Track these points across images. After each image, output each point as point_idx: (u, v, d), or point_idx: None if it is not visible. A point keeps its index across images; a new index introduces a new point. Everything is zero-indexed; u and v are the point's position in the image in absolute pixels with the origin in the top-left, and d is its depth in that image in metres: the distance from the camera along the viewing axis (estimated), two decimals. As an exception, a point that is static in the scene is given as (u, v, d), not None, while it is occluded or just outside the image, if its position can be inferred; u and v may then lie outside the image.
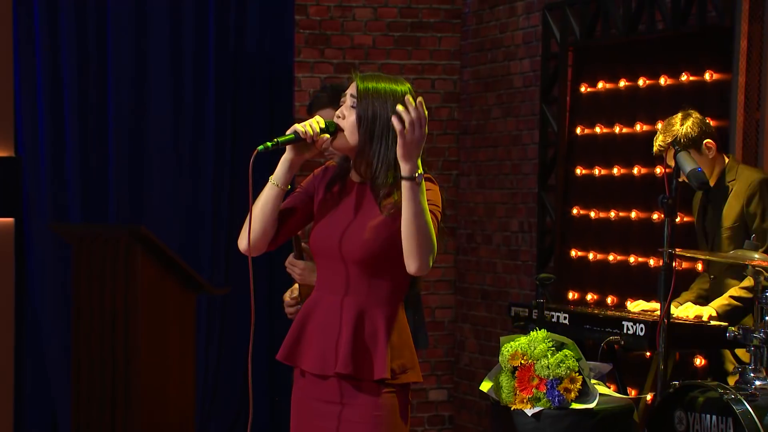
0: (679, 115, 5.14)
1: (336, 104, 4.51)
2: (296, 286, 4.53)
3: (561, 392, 4.49)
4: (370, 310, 3.47)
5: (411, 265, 3.36)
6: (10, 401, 7.22)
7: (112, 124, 7.46)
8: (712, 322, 4.97)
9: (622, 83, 6.64)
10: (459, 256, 8.13)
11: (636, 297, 6.28)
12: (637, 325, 4.98)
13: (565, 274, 6.98)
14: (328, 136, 3.47)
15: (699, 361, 5.77)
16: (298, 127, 3.46)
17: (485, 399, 7.27)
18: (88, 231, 6.73)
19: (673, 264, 4.73)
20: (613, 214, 6.69)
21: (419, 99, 3.38)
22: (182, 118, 7.62)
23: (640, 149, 6.49)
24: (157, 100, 7.56)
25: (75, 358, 6.58)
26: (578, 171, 6.97)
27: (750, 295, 4.93)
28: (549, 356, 4.49)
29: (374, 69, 7.82)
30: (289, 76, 7.82)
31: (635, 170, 6.52)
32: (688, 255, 5.10)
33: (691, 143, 5.03)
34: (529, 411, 4.57)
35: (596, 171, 6.83)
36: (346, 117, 3.48)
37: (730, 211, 5.07)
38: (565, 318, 5.39)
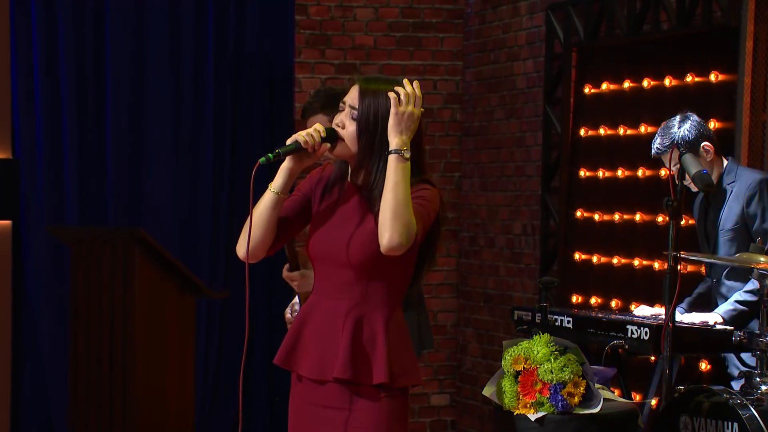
0: (678, 117, 5.14)
1: (328, 110, 4.52)
2: (296, 300, 4.54)
3: (564, 397, 4.49)
4: (368, 313, 3.47)
5: (382, 237, 3.35)
6: (6, 404, 7.22)
7: (110, 125, 7.46)
8: (718, 326, 4.97)
9: (627, 84, 6.64)
10: (461, 259, 8.13)
11: (640, 301, 6.28)
12: (642, 329, 4.98)
13: (568, 277, 6.97)
14: (329, 145, 3.48)
15: (704, 366, 5.77)
16: (299, 137, 3.46)
17: (488, 404, 7.27)
18: (86, 233, 6.73)
19: (678, 267, 4.72)
20: (617, 216, 6.69)
21: (416, 82, 3.46)
22: (181, 120, 7.62)
23: (644, 151, 6.46)
24: (156, 101, 7.56)
25: (72, 362, 6.58)
26: (582, 173, 6.97)
27: (755, 299, 4.93)
28: (552, 360, 4.50)
29: (375, 70, 7.82)
30: (289, 77, 7.82)
31: (639, 172, 6.52)
32: (694, 258, 5.10)
33: (689, 146, 5.03)
34: (533, 416, 4.57)
35: (600, 173, 6.83)
36: (347, 127, 3.49)
37: (729, 213, 5.07)
38: (568, 322, 5.39)
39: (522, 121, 7.60)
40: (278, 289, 7.41)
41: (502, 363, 4.68)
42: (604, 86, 6.80)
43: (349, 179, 3.56)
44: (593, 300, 6.83)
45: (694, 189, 5.02)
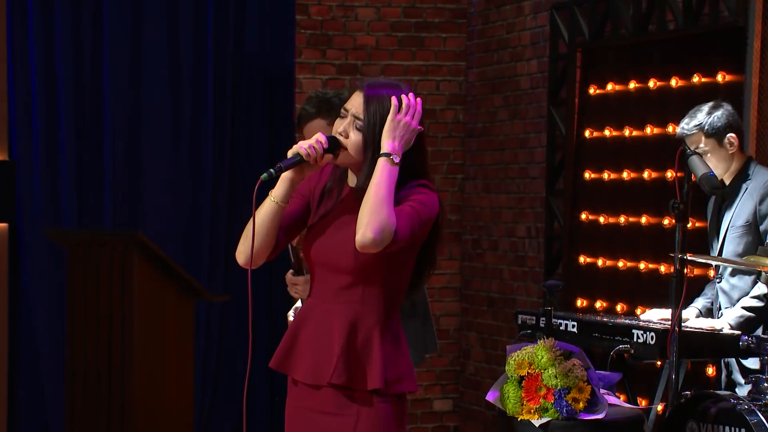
0: (711, 103, 5.15)
1: (325, 114, 4.51)
2: (299, 303, 4.54)
3: (569, 402, 4.49)
4: (364, 318, 3.47)
5: (357, 233, 3.36)
6: (3, 409, 7.22)
7: (108, 127, 7.46)
8: (725, 331, 4.96)
9: (632, 85, 6.64)
10: (464, 263, 8.13)
11: (646, 304, 6.27)
12: (648, 333, 4.97)
13: (573, 280, 6.97)
14: (331, 156, 3.48)
15: (711, 371, 5.76)
16: (301, 150, 3.46)
17: (491, 409, 7.27)
18: (83, 237, 6.73)
19: (685, 270, 4.72)
20: (622, 219, 6.68)
21: (419, 98, 3.49)
22: (180, 121, 7.62)
23: (650, 152, 6.49)
24: (155, 103, 7.56)
25: (69, 367, 6.58)
26: (587, 175, 6.96)
27: (762, 304, 4.93)
28: (557, 365, 4.49)
29: (377, 70, 7.82)
30: (289, 78, 7.81)
31: (645, 174, 6.51)
32: (700, 261, 5.09)
33: (715, 133, 5.04)
34: (537, 422, 4.57)
35: (605, 175, 6.83)
36: (350, 136, 3.48)
37: (741, 211, 5.07)
38: (573, 326, 5.38)
39: (526, 122, 7.60)
40: (279, 292, 7.41)
41: (506, 368, 4.67)
42: (610, 87, 6.80)
43: (348, 183, 3.56)
44: (598, 304, 6.82)
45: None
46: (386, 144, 3.41)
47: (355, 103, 3.49)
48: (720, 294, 5.16)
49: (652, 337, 4.96)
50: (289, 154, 3.47)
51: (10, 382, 7.29)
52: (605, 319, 5.35)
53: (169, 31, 7.57)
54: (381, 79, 3.61)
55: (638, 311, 6.38)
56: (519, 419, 4.61)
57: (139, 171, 7.53)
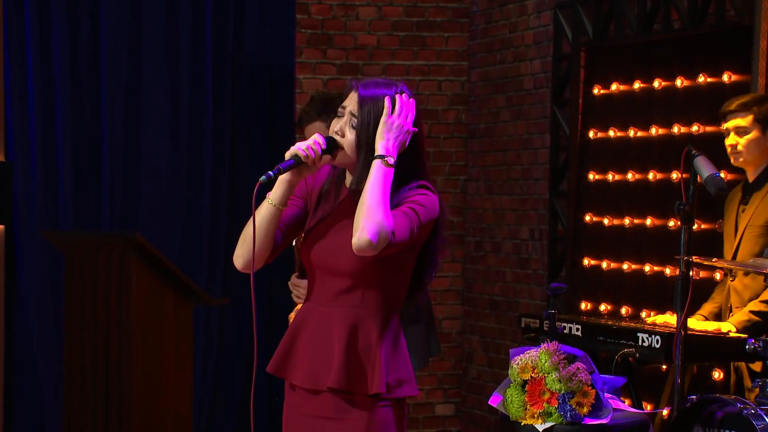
0: (765, 94, 5.17)
1: (325, 116, 4.52)
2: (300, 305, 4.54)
3: (573, 407, 4.49)
4: (363, 322, 3.47)
5: (353, 235, 3.36)
6: (0, 413, 7.22)
7: (105, 128, 7.46)
8: (731, 334, 4.96)
9: (637, 85, 6.63)
10: (467, 265, 8.12)
11: (651, 307, 6.27)
12: (653, 336, 4.97)
13: (577, 283, 6.96)
14: (329, 156, 3.49)
15: (717, 375, 5.76)
16: (299, 151, 3.46)
17: (494, 414, 7.26)
18: (80, 239, 6.73)
19: (691, 273, 4.71)
20: (627, 221, 6.68)
21: (413, 99, 3.51)
22: (179, 122, 7.61)
23: (655, 153, 6.48)
24: (153, 103, 7.56)
25: (66, 371, 6.57)
26: (591, 176, 6.96)
27: (769, 309, 4.93)
28: (560, 369, 4.49)
29: (378, 70, 7.82)
30: (289, 78, 7.82)
31: (650, 175, 6.51)
32: (706, 263, 5.09)
33: (763, 119, 5.03)
34: (540, 426, 4.56)
35: (610, 176, 6.82)
36: (346, 135, 3.49)
37: (764, 209, 5.05)
38: (577, 329, 5.38)
39: (529, 123, 7.60)
40: (279, 294, 7.41)
41: (509, 372, 4.67)
42: (614, 87, 6.80)
43: (346, 185, 3.56)
44: (603, 307, 6.82)
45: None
46: (380, 145, 3.42)
47: (352, 101, 3.50)
48: (732, 293, 5.14)
49: (657, 340, 4.95)
50: (287, 155, 3.47)
51: (6, 385, 7.29)
52: (610, 323, 5.35)
53: (167, 31, 7.57)
54: (377, 78, 3.61)
55: (643, 314, 6.38)
56: (522, 424, 4.61)
57: (137, 172, 7.53)
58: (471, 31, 8.08)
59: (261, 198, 3.52)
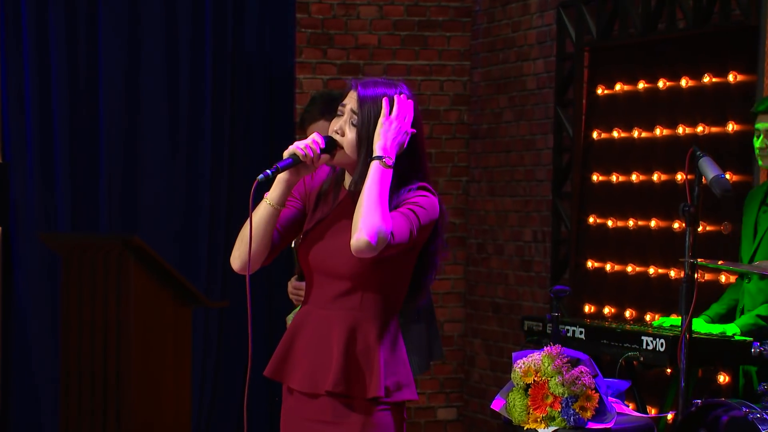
0: None
1: (328, 116, 4.53)
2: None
3: (576, 411, 4.48)
4: (362, 325, 3.47)
5: (352, 237, 3.36)
6: (-4, 419, 7.24)
7: (103, 129, 7.46)
8: (737, 337, 4.96)
9: (641, 85, 6.63)
10: (469, 267, 8.12)
11: (656, 310, 6.27)
12: (657, 340, 4.97)
13: (580, 286, 6.96)
14: (328, 156, 3.49)
15: (722, 378, 5.76)
16: (297, 150, 3.45)
17: (497, 418, 7.26)
18: (78, 241, 6.73)
19: (695, 276, 4.71)
20: (631, 222, 6.68)
21: (411, 100, 3.50)
22: (177, 122, 7.61)
23: (660, 154, 6.48)
24: (151, 103, 7.56)
25: (64, 374, 6.57)
26: (595, 177, 6.96)
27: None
28: (564, 373, 4.48)
29: (379, 70, 7.82)
30: (289, 78, 7.81)
31: (655, 177, 6.51)
32: (711, 266, 5.09)
33: None
34: (543, 431, 4.56)
35: (614, 177, 6.82)
36: (346, 134, 3.49)
37: None
38: (580, 332, 5.38)
39: (532, 124, 7.60)
40: (278, 296, 7.41)
41: (512, 375, 4.67)
42: (618, 87, 6.80)
43: (345, 186, 3.56)
44: (606, 310, 6.82)
45: None
46: (377, 147, 3.42)
47: (351, 100, 3.50)
48: (746, 295, 5.14)
49: (661, 344, 4.95)
50: (285, 154, 3.47)
51: (3, 389, 7.29)
52: (613, 326, 5.35)
53: (166, 31, 7.57)
54: (376, 78, 3.61)
55: (647, 317, 6.38)
56: (525, 428, 4.60)
57: (136, 173, 7.53)
58: (473, 30, 8.08)
59: (259, 198, 3.52)
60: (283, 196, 3.50)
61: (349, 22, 7.89)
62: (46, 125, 7.37)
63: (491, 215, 7.94)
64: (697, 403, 4.70)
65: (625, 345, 5.13)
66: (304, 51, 7.81)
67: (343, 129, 3.50)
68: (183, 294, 6.35)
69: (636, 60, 6.69)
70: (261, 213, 3.50)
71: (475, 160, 8.10)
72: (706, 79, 6.16)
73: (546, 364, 4.58)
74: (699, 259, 4.74)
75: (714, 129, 6.09)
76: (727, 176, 4.95)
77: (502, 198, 7.84)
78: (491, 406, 4.79)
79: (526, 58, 7.65)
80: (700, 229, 4.95)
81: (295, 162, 3.46)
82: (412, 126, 3.49)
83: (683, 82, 6.31)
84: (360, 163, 3.47)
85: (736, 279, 5.38)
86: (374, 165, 3.41)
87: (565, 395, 4.49)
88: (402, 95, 3.48)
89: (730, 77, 6.03)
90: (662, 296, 6.35)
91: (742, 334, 4.97)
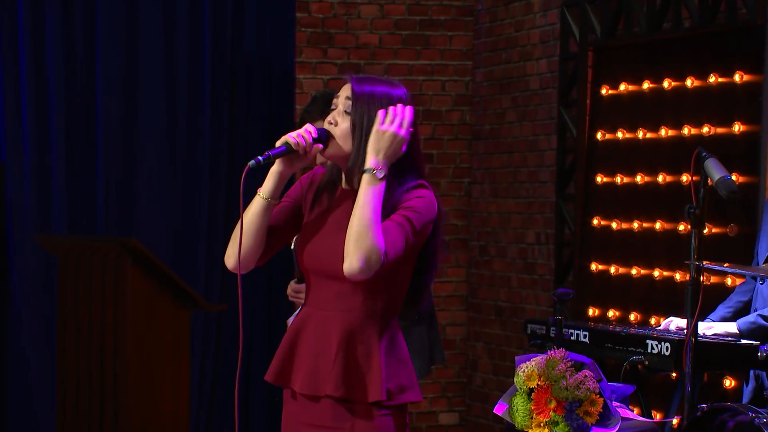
0: None
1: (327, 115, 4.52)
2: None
3: (581, 416, 4.47)
4: (362, 326, 3.46)
5: (344, 262, 3.35)
6: (-8, 423, 7.24)
7: (100, 130, 7.45)
8: (743, 341, 4.95)
9: (646, 85, 6.63)
10: (471, 270, 8.11)
11: (661, 313, 6.26)
12: (663, 343, 4.96)
13: (584, 289, 6.96)
14: (321, 146, 3.48)
15: (729, 383, 5.74)
16: (290, 139, 3.45)
17: (499, 422, 7.25)
18: (75, 243, 6.73)
19: (701, 278, 4.70)
20: (636, 224, 6.67)
21: (408, 106, 3.48)
22: (176, 123, 7.61)
23: (665, 155, 6.48)
24: (149, 104, 7.55)
25: (60, 377, 6.57)
26: (599, 179, 6.95)
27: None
28: (567, 377, 4.47)
29: (380, 70, 7.82)
30: (289, 78, 7.81)
31: (660, 178, 6.50)
32: (717, 269, 5.08)
33: None
34: (547, 436, 4.55)
35: (618, 179, 6.82)
36: (339, 124, 3.49)
37: None
38: (585, 336, 5.37)
39: (535, 124, 7.59)
40: (277, 299, 7.41)
41: (515, 379, 4.66)
42: (623, 87, 6.79)
43: (341, 184, 3.55)
44: (611, 313, 6.81)
45: None
46: (369, 158, 3.40)
47: (346, 91, 3.49)
48: (759, 296, 5.12)
49: (667, 347, 4.94)
50: (278, 143, 3.47)
51: (0, 391, 7.29)
52: (618, 329, 5.34)
53: (164, 30, 7.57)
54: (372, 76, 3.60)
55: (652, 320, 6.37)
56: (528, 433, 4.60)
57: (133, 175, 7.53)
58: (475, 29, 8.07)
59: (250, 187, 3.50)
60: (276, 189, 3.49)
61: (350, 21, 7.89)
62: (42, 126, 7.37)
63: (494, 217, 7.94)
64: (703, 407, 4.69)
65: (629, 349, 5.12)
66: (304, 51, 7.81)
67: (336, 119, 3.50)
68: (181, 297, 6.35)
69: (641, 60, 6.69)
70: (254, 207, 3.50)
71: (477, 161, 8.09)
72: (712, 79, 6.16)
73: (550, 368, 4.57)
74: (705, 262, 4.73)
75: (720, 130, 6.08)
76: (734, 177, 4.95)
77: (505, 200, 7.84)
78: (494, 411, 4.78)
79: (529, 58, 7.64)
80: (705, 231, 4.94)
81: (288, 150, 3.46)
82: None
83: (689, 82, 6.31)
84: (353, 153, 3.46)
85: (731, 284, 5.37)
86: (365, 180, 3.39)
87: (569, 400, 4.48)
88: (399, 105, 3.46)
89: (737, 77, 6.02)
90: (667, 299, 6.35)
91: (741, 332, 4.96)
